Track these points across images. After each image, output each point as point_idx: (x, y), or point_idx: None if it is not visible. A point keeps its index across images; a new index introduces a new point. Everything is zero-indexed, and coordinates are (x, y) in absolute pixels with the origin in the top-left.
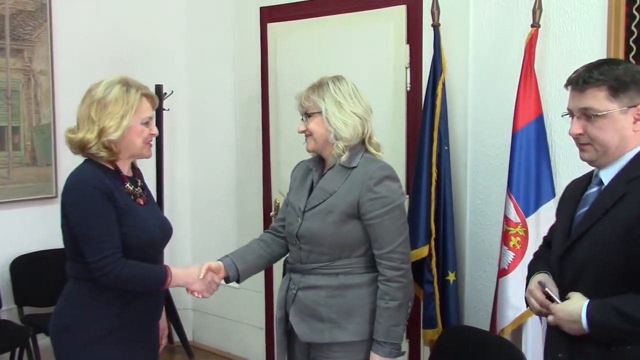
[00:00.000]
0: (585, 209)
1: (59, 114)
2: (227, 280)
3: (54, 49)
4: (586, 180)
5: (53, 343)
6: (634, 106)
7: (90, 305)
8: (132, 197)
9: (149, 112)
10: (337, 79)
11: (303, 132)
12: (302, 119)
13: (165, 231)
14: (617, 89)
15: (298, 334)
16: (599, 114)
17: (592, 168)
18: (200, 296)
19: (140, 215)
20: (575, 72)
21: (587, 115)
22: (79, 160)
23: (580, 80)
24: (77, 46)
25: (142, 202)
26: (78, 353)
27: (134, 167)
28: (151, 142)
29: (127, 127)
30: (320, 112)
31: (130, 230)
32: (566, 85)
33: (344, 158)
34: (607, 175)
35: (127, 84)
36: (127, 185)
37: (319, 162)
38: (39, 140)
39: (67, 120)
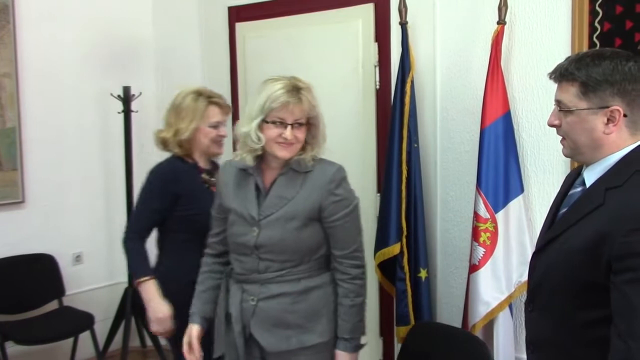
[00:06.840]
0: (565, 210)
1: (24, 117)
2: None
3: (17, 51)
4: (576, 174)
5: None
6: (606, 107)
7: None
8: (207, 185)
9: (217, 117)
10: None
11: (292, 141)
12: (292, 126)
13: None
14: (586, 88)
15: (263, 345)
16: (567, 109)
17: (560, 166)
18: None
19: (211, 199)
20: (565, 59)
21: (560, 108)
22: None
23: (558, 72)
24: (42, 48)
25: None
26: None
27: (213, 163)
28: (221, 142)
29: (194, 129)
30: (315, 117)
31: (202, 209)
32: (549, 75)
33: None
34: (589, 177)
35: (199, 94)
36: (203, 175)
37: (257, 165)
38: (3, 144)
39: (33, 124)
